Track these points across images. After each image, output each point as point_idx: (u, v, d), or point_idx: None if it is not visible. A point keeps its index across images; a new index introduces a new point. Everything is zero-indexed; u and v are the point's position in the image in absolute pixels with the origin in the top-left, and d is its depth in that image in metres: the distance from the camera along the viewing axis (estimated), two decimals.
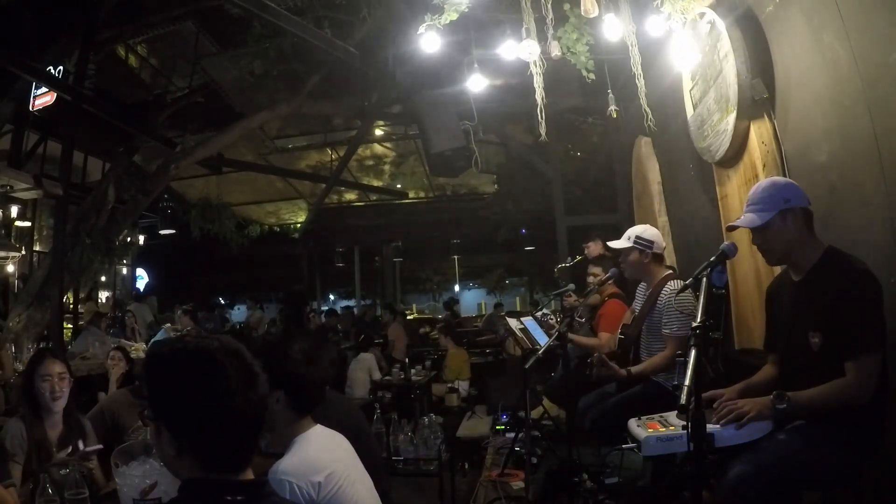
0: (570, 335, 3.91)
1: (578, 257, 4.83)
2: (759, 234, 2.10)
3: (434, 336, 10.05)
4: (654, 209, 5.03)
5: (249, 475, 1.17)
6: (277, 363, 1.88)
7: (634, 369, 3.09)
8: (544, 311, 4.86)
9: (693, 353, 1.72)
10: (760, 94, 2.88)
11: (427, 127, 5.93)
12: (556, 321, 4.33)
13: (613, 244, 3.37)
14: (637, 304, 3.38)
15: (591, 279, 4.25)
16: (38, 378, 2.68)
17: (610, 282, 3.99)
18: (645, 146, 5.23)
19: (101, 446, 2.74)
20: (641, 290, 3.35)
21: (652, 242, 3.20)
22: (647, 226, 3.34)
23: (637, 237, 3.20)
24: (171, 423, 1.13)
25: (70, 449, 2.56)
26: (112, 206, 7.75)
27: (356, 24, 6.49)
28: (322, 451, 1.82)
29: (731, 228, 2.21)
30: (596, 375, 3.15)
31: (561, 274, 5.18)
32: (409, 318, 14.08)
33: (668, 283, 3.10)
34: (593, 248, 4.90)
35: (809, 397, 1.90)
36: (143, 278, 14.55)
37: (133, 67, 9.31)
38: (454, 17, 3.12)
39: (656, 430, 2.09)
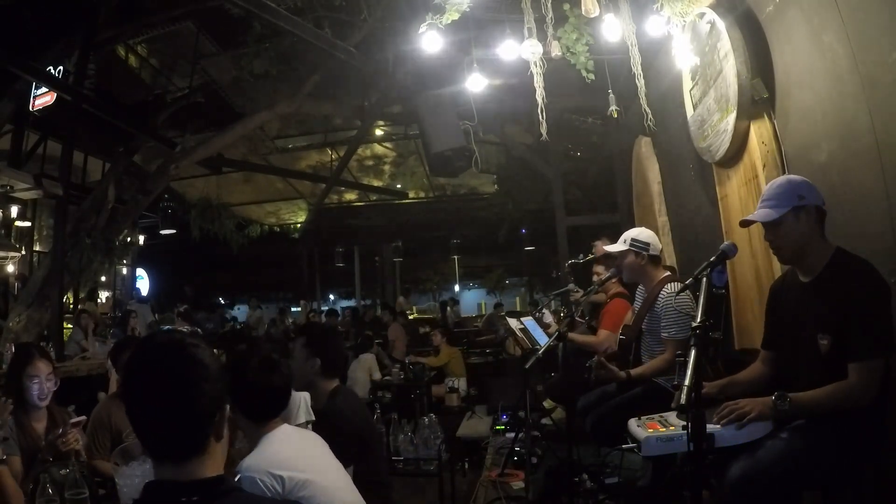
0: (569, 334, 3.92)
1: (591, 255, 4.83)
2: (771, 231, 2.08)
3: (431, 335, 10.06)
4: (654, 209, 5.03)
5: (203, 467, 1.18)
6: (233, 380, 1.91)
7: (634, 372, 3.08)
8: (544, 310, 4.86)
9: (693, 353, 1.72)
10: (760, 94, 2.87)
11: (427, 127, 5.93)
12: (558, 319, 4.32)
13: (610, 248, 3.36)
14: (637, 306, 3.38)
15: (595, 277, 4.26)
16: (26, 377, 2.67)
17: (613, 281, 4.00)
18: (645, 146, 5.23)
19: (83, 418, 2.76)
20: (640, 292, 3.35)
21: (648, 244, 3.20)
22: (643, 228, 3.33)
23: (633, 240, 3.21)
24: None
25: (59, 432, 2.55)
26: (112, 206, 7.76)
27: (356, 25, 6.50)
28: (285, 447, 1.87)
29: (744, 224, 2.18)
30: (595, 378, 3.15)
31: (570, 270, 5.17)
32: (410, 317, 14.06)
33: (666, 286, 3.10)
34: (600, 248, 4.90)
35: (811, 398, 1.90)
36: (143, 278, 14.55)
37: (133, 67, 9.31)
38: (455, 16, 3.11)
39: (656, 430, 2.09)
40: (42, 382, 2.69)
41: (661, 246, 3.35)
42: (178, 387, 1.17)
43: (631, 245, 3.20)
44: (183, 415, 1.17)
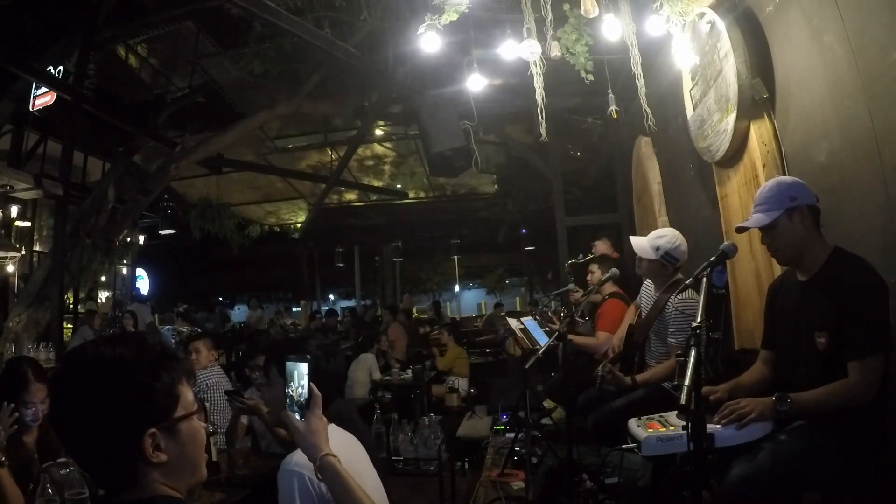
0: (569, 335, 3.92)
1: (591, 255, 4.83)
2: (767, 234, 2.09)
3: (434, 335, 10.08)
4: (654, 209, 5.03)
5: (144, 489, 1.06)
6: None
7: (640, 378, 3.09)
8: (544, 309, 4.87)
9: (693, 353, 1.72)
10: (760, 94, 2.87)
11: (427, 127, 5.93)
12: (559, 317, 4.33)
13: (641, 253, 3.22)
14: (642, 302, 3.38)
15: (589, 277, 4.27)
16: (21, 404, 2.48)
17: (610, 281, 4.01)
18: (645, 146, 5.23)
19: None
20: (648, 291, 3.34)
21: (677, 260, 3.18)
22: (679, 240, 3.21)
23: (666, 254, 3.15)
24: None
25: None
26: (112, 206, 7.76)
27: (356, 25, 6.50)
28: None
29: (740, 230, 2.20)
30: (604, 386, 3.15)
31: (570, 270, 5.17)
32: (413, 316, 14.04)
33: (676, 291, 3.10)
34: (600, 247, 4.90)
35: (811, 398, 1.91)
36: (143, 278, 14.56)
37: (133, 67, 9.32)
38: (454, 17, 3.11)
39: (656, 430, 2.09)
40: (37, 408, 2.53)
41: (687, 257, 3.29)
42: (81, 425, 1.03)
43: (663, 258, 3.16)
44: (93, 454, 1.05)
